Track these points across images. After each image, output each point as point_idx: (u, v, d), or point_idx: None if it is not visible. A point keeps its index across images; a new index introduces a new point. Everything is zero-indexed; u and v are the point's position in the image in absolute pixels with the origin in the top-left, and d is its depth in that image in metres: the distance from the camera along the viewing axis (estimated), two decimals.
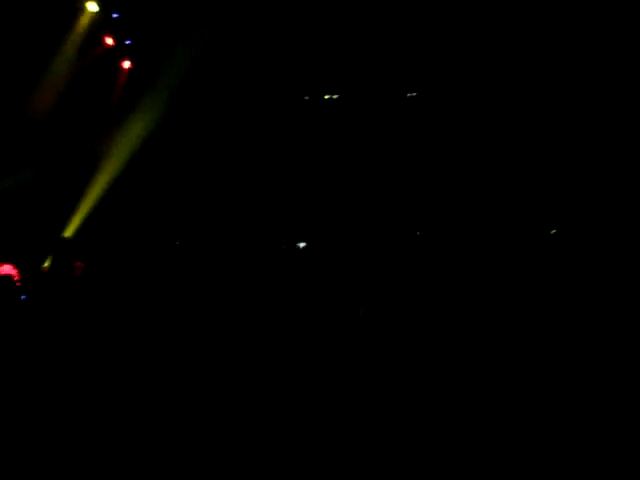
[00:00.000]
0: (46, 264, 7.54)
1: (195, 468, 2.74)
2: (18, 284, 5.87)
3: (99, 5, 8.62)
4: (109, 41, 9.26)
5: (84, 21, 8.69)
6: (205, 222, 10.20)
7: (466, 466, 2.32)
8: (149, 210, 9.84)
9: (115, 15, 9.13)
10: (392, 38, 9.67)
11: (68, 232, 8.52)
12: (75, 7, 8.56)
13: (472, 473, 2.31)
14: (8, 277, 5.84)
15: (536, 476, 2.28)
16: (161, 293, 6.34)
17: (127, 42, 9.65)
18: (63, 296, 6.26)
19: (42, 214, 8.34)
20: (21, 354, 4.18)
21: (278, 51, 10.09)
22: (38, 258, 7.68)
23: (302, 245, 9.19)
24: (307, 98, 11.59)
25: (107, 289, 6.57)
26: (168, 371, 3.76)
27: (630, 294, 4.93)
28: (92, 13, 8.69)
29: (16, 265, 6.19)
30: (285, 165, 10.84)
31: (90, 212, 8.82)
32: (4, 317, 5.09)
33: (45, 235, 8.09)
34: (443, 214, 9.98)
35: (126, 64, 9.78)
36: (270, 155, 10.79)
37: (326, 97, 11.69)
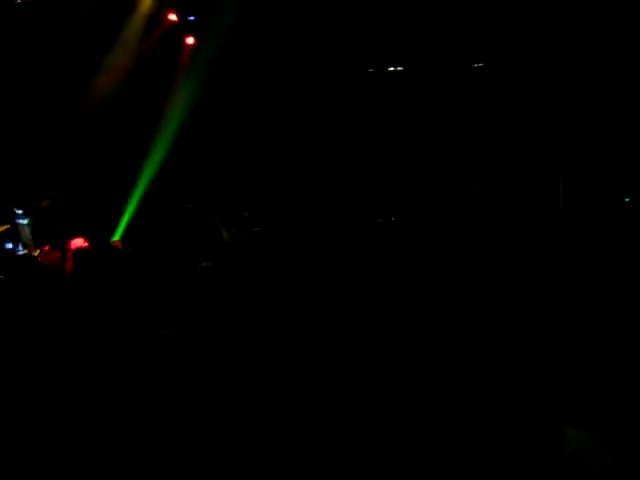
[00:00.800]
0: (115, 238, 7.74)
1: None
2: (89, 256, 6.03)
3: None
4: (173, 17, 9.30)
5: None
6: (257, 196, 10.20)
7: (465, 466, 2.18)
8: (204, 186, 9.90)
9: None
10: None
11: (132, 206, 8.69)
12: None
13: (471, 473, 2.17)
14: (82, 250, 6.03)
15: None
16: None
17: (191, 18, 9.67)
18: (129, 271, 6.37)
19: (108, 190, 8.54)
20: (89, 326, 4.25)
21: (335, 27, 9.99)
22: (108, 231, 7.88)
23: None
24: (371, 70, 11.41)
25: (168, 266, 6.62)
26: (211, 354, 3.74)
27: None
28: None
29: (87, 238, 6.38)
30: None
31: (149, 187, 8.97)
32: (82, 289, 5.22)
33: (112, 208, 8.30)
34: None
35: (190, 40, 9.80)
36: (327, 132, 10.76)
37: (391, 69, 11.47)
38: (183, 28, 9.60)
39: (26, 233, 7.38)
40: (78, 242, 6.33)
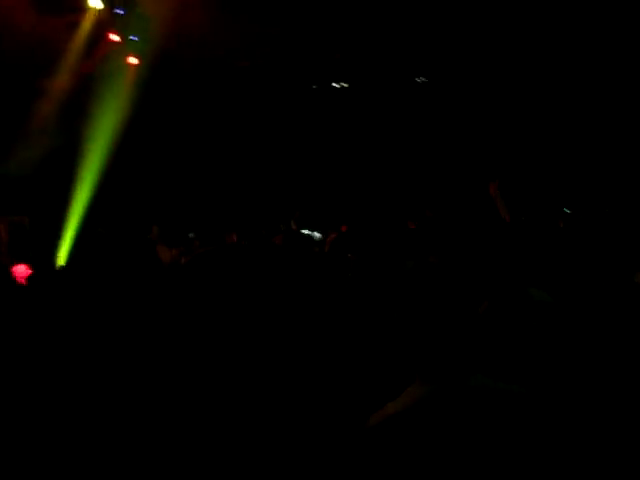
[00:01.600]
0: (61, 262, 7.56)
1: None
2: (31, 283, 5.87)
3: (103, 2, 8.56)
4: (115, 38, 9.19)
5: (89, 18, 8.66)
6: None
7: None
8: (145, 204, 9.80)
9: (120, 11, 9.09)
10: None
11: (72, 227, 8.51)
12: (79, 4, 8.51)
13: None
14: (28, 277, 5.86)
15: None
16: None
17: (133, 38, 9.58)
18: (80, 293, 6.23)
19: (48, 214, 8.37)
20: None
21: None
22: (52, 256, 7.70)
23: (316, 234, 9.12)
24: (315, 87, 11.54)
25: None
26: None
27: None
28: (96, 10, 8.65)
29: (30, 265, 6.21)
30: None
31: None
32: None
33: (56, 232, 8.13)
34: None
35: (132, 60, 9.69)
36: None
37: (335, 85, 11.62)
38: (126, 48, 9.51)
39: None
40: (21, 269, 6.17)
